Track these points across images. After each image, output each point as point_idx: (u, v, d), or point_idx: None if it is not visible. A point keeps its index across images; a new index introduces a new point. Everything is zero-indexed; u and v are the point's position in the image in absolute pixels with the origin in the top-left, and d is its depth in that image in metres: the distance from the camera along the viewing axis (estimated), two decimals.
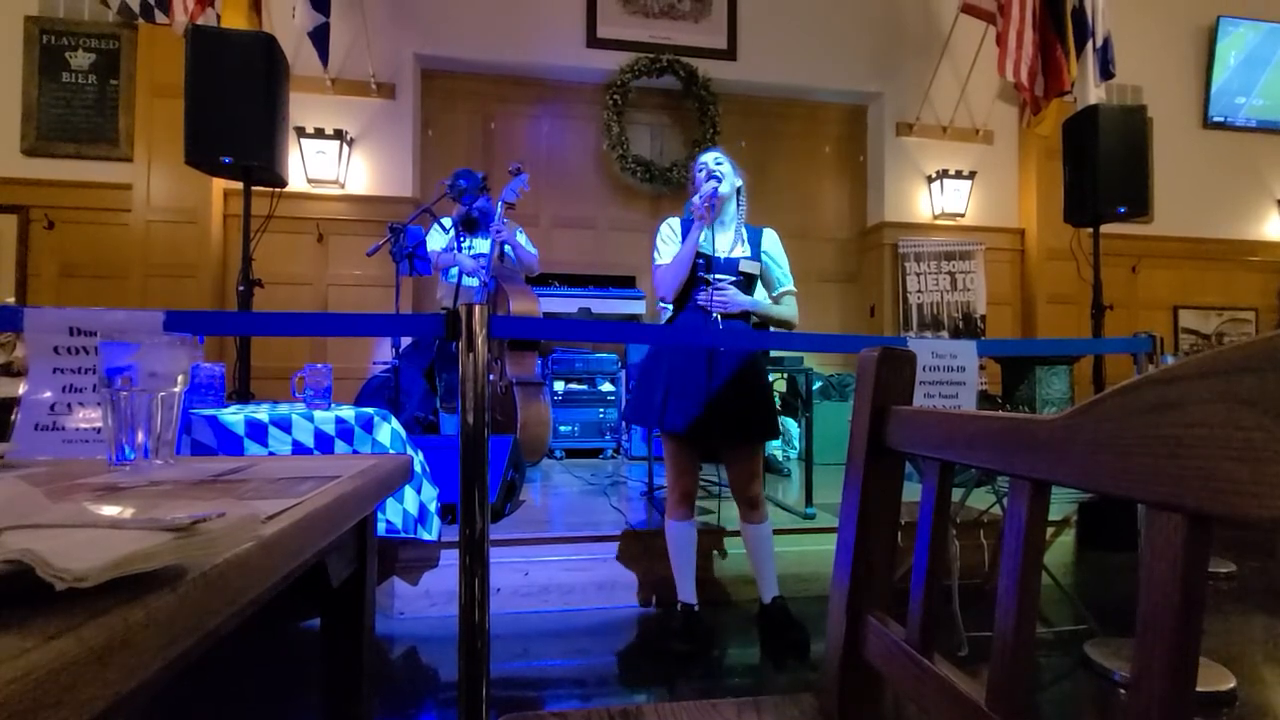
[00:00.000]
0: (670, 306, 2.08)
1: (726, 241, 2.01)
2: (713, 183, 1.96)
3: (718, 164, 2.02)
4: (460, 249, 3.33)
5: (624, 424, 4.30)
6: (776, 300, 2.05)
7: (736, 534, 2.38)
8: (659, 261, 2.02)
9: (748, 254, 2.01)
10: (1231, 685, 1.69)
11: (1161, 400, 0.36)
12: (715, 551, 2.39)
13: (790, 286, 2.04)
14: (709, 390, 1.91)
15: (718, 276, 1.95)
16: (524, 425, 3.36)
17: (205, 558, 0.36)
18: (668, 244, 2.03)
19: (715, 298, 1.93)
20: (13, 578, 0.28)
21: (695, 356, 1.94)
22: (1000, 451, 0.50)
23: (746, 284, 2.00)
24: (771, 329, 2.06)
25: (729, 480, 2.05)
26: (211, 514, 0.38)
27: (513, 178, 3.32)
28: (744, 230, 2.04)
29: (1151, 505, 0.37)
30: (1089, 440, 0.41)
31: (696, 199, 1.95)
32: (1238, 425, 0.32)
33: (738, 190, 2.04)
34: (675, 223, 2.07)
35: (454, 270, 3.35)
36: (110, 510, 0.40)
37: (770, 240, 2.07)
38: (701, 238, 1.94)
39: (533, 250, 3.57)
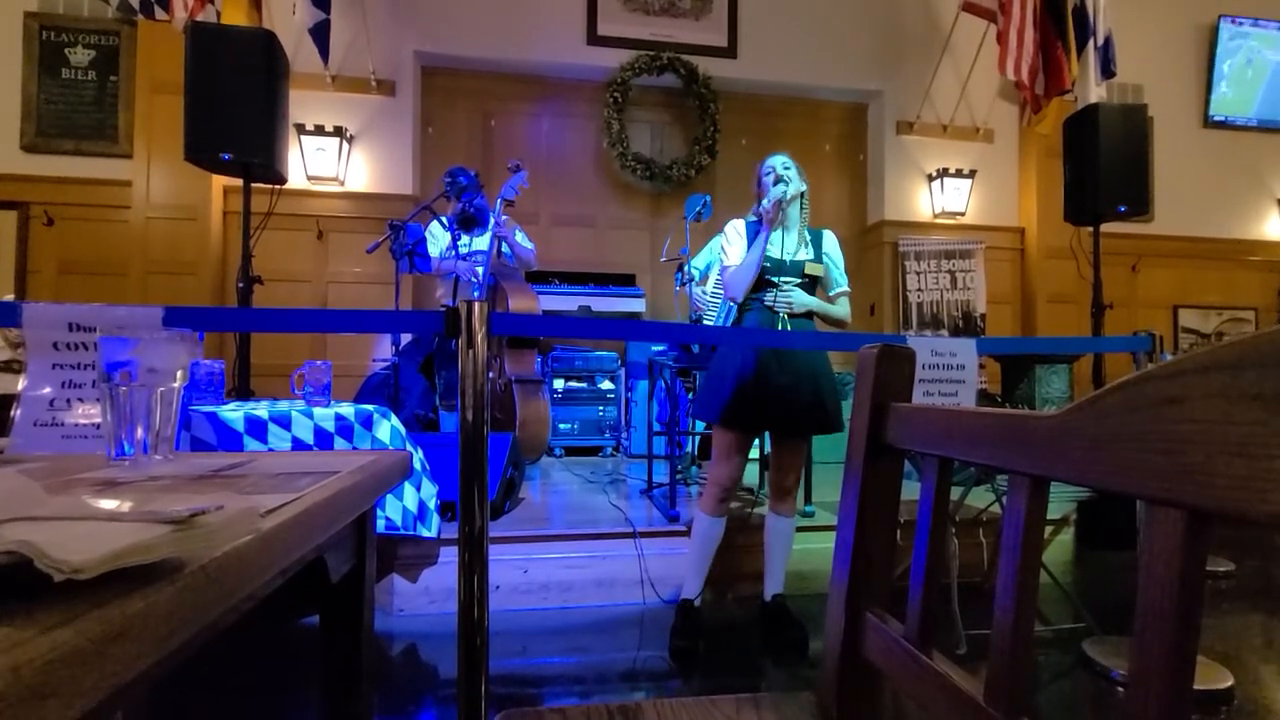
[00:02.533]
0: (733, 305, 2.12)
1: (791, 244, 2.06)
2: (782, 186, 1.99)
3: (785, 168, 2.06)
4: (458, 246, 3.33)
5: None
6: (832, 300, 2.10)
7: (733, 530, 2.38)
8: (726, 263, 2.07)
9: (811, 256, 2.06)
10: (1229, 683, 1.70)
11: (1161, 396, 0.36)
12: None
13: (846, 287, 2.10)
14: (776, 387, 1.93)
15: (785, 279, 2.00)
16: (523, 423, 3.36)
17: (204, 551, 0.36)
18: (734, 245, 2.07)
19: (781, 298, 1.99)
20: (11, 569, 0.28)
21: (766, 356, 1.98)
22: (1000, 448, 0.50)
23: (810, 285, 2.05)
24: (828, 327, 2.11)
25: (771, 467, 2.09)
26: (210, 507, 0.37)
27: (512, 175, 3.31)
28: (807, 233, 2.09)
29: (1151, 501, 0.37)
30: (1088, 436, 0.41)
31: (765, 202, 1.98)
32: (1238, 421, 0.32)
33: (801, 195, 2.09)
34: (740, 224, 2.10)
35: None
36: (109, 503, 0.40)
37: (830, 242, 2.12)
38: (769, 241, 2.00)
39: (529, 245, 3.57)
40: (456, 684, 1.20)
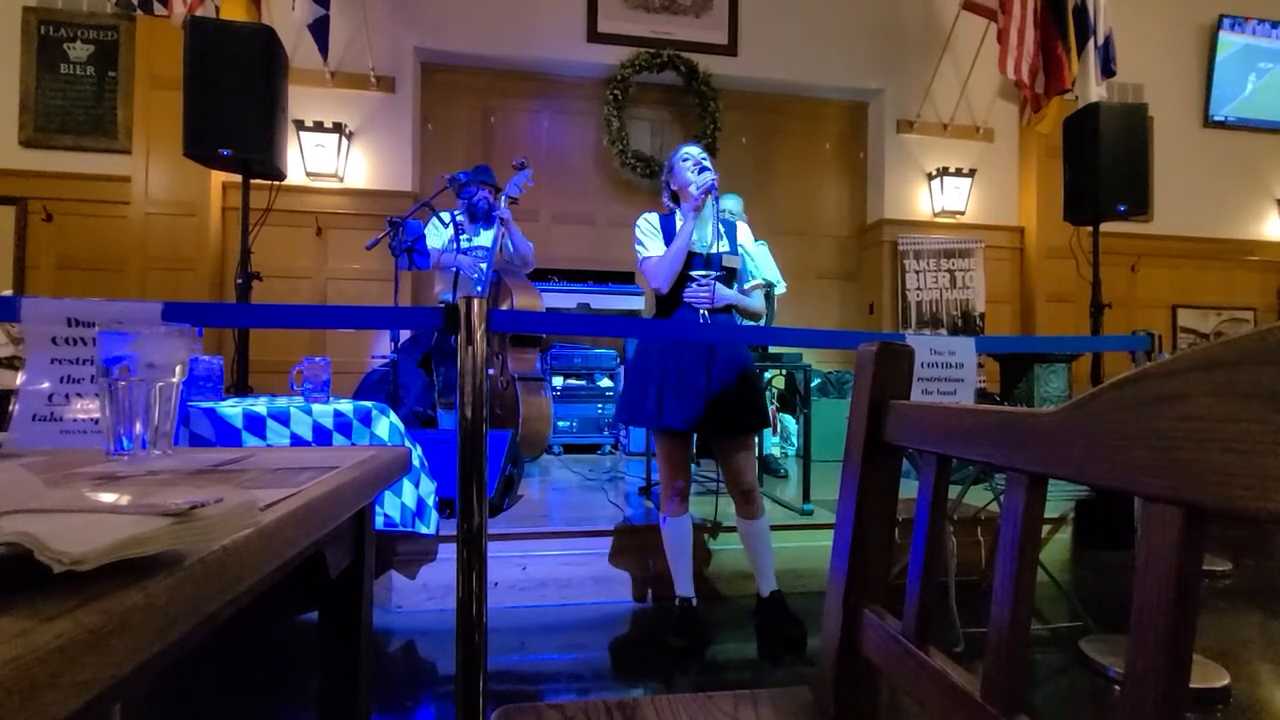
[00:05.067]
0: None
1: (707, 237, 2.03)
2: (708, 174, 1.98)
3: (702, 156, 2.05)
4: (459, 243, 3.33)
5: (619, 425, 4.30)
6: (745, 293, 2.09)
7: (732, 529, 2.39)
8: (646, 254, 2.03)
9: (727, 249, 2.05)
10: (1225, 682, 1.70)
11: (1160, 393, 0.36)
12: (710, 545, 2.40)
13: (760, 280, 2.10)
14: (703, 386, 1.92)
15: (702, 272, 1.98)
16: (525, 420, 3.36)
17: (203, 543, 0.36)
18: (652, 238, 2.05)
19: (699, 293, 1.97)
20: (11, 561, 0.28)
21: (688, 354, 1.96)
22: (998, 445, 0.50)
23: (728, 278, 2.03)
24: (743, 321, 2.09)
25: (724, 475, 2.06)
26: (209, 500, 0.38)
27: (516, 172, 3.31)
28: (720, 225, 2.06)
29: (1148, 499, 0.37)
30: (1087, 433, 0.41)
31: (693, 189, 1.97)
32: (1235, 418, 0.32)
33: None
34: (654, 217, 2.09)
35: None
36: (108, 497, 0.40)
37: (744, 234, 2.13)
38: (693, 232, 1.97)
39: (528, 242, 3.57)
40: (455, 680, 1.20)
